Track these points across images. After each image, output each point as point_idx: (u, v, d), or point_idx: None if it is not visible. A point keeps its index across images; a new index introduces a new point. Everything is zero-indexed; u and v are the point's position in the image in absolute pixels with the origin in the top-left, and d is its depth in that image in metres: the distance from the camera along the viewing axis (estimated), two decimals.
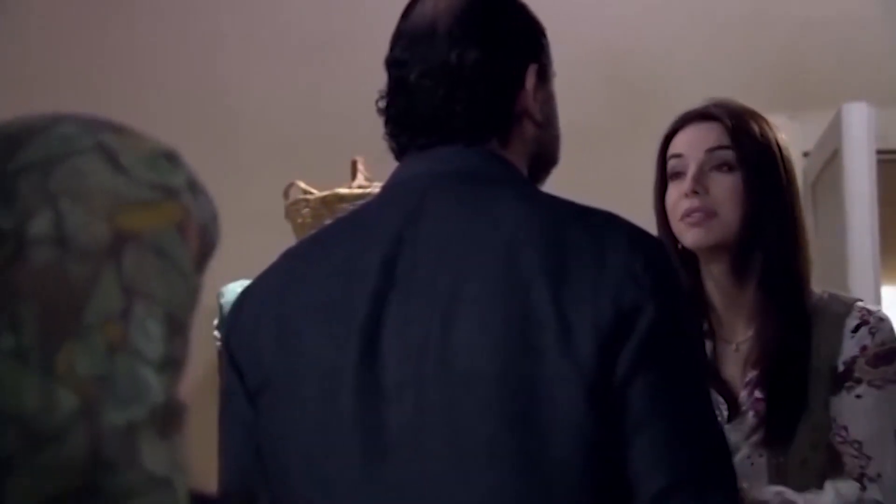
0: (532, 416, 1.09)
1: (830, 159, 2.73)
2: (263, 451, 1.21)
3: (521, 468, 1.09)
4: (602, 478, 1.09)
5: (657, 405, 1.10)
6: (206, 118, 3.09)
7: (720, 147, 1.69)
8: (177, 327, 0.75)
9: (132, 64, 3.12)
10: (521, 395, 1.09)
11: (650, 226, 1.77)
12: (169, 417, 0.74)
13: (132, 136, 0.78)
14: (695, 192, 1.67)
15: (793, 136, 2.86)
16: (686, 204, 1.68)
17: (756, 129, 1.70)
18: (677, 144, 1.73)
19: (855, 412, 1.62)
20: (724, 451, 1.18)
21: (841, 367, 1.64)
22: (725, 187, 1.67)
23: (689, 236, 1.69)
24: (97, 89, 3.07)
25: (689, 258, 1.72)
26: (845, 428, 1.62)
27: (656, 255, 1.16)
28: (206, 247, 0.80)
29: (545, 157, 1.33)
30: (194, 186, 0.80)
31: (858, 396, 1.63)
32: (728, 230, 1.67)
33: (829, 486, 1.61)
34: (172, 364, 0.74)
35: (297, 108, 3.08)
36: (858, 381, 1.63)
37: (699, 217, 1.67)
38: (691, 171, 1.68)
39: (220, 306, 2.50)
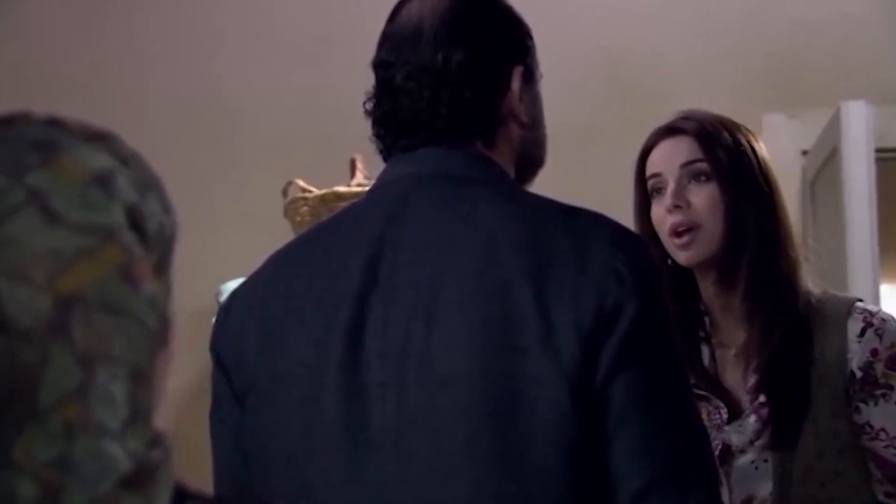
0: (513, 416, 1.09)
1: (829, 158, 2.73)
2: (249, 453, 1.21)
3: (503, 468, 1.09)
4: (583, 477, 1.09)
5: (638, 403, 1.10)
6: (204, 117, 3.09)
7: (693, 161, 1.70)
8: (142, 377, 0.71)
9: (131, 63, 3.12)
10: (503, 394, 1.09)
11: None
12: (139, 478, 0.69)
13: (63, 156, 0.73)
14: (677, 207, 1.69)
15: (791, 134, 2.89)
16: (671, 219, 1.69)
17: (727, 137, 1.71)
18: (653, 163, 1.75)
19: None
20: (706, 450, 1.17)
21: (859, 374, 1.62)
22: (705, 198, 1.68)
23: (680, 257, 1.70)
24: (96, 89, 3.07)
25: (683, 268, 1.73)
26: None
27: (639, 254, 1.16)
28: (164, 248, 0.76)
29: (531, 159, 1.33)
30: (139, 195, 0.74)
31: None
32: (713, 241, 1.68)
33: None
34: (139, 417, 0.70)
35: (296, 106, 3.08)
36: (890, 388, 1.62)
37: (688, 238, 1.68)
38: (670, 187, 1.70)
39: (219, 305, 2.49)
